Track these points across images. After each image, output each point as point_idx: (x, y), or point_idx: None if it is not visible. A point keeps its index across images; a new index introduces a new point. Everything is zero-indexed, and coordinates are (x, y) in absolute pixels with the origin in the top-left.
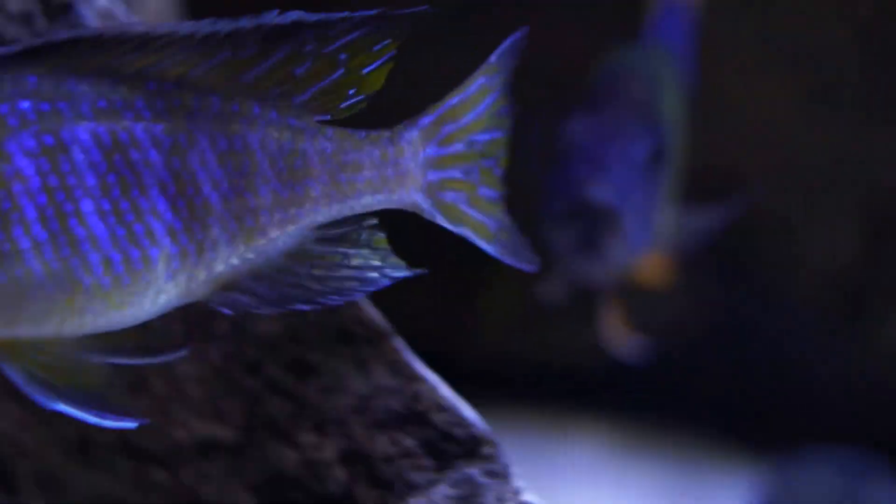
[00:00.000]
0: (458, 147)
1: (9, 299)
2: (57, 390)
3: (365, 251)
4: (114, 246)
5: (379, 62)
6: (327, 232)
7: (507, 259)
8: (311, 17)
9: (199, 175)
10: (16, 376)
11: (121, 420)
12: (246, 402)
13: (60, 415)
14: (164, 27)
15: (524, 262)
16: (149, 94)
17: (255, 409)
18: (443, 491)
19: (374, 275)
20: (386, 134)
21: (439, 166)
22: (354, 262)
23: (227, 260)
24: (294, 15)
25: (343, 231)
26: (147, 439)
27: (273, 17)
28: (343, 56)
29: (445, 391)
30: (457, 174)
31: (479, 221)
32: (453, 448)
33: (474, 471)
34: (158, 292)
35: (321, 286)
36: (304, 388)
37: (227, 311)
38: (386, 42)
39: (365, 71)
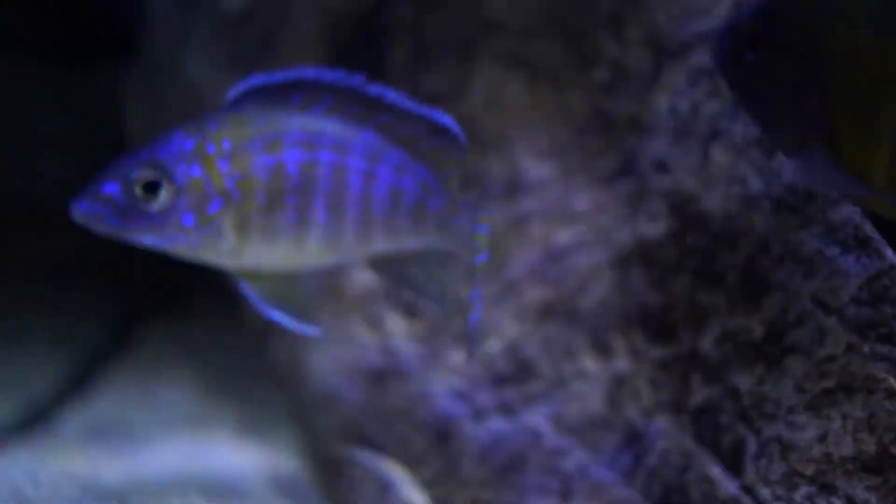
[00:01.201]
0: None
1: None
2: (273, 304)
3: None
4: (298, 221)
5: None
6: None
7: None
8: (445, 118)
9: (375, 198)
10: (252, 293)
11: (308, 327)
12: None
13: None
14: (392, 96)
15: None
16: (359, 138)
17: None
18: None
19: (444, 292)
20: (470, 205)
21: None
22: (442, 279)
23: (370, 244)
24: (449, 120)
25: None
26: None
27: (440, 114)
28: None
29: None
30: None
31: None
32: None
33: None
34: (319, 252)
35: (417, 283)
36: None
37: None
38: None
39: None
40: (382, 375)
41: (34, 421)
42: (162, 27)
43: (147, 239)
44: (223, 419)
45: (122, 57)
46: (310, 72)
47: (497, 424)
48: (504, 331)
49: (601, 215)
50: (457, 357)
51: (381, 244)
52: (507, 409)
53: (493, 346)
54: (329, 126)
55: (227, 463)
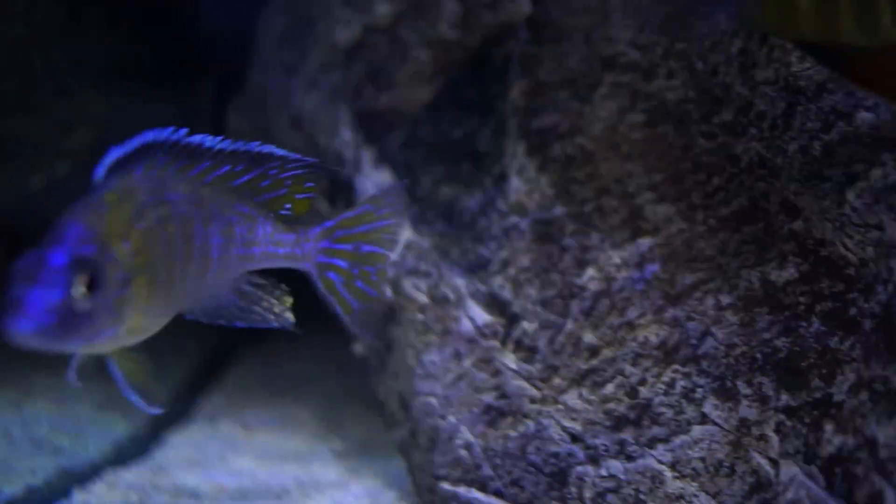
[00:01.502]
0: (347, 247)
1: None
2: (133, 388)
3: (273, 302)
4: (179, 284)
5: (306, 195)
6: (258, 279)
7: (354, 330)
8: (279, 151)
9: (212, 239)
10: (118, 375)
11: (152, 406)
12: None
13: None
14: (209, 142)
15: (368, 337)
16: (180, 189)
17: None
18: None
19: (271, 317)
20: (302, 228)
21: (329, 254)
22: (264, 305)
23: (206, 290)
24: (269, 148)
25: (266, 283)
26: None
27: (257, 146)
28: (288, 182)
29: None
30: (341, 263)
31: (345, 299)
32: None
33: None
34: (173, 311)
35: (239, 313)
36: None
37: (189, 317)
38: (312, 184)
39: (297, 196)
40: (496, 415)
41: (135, 454)
42: (271, 55)
43: (84, 341)
44: (323, 454)
45: (217, 79)
46: (148, 135)
47: (615, 467)
48: (623, 373)
49: (726, 257)
50: (572, 398)
51: (212, 288)
52: (625, 453)
53: (612, 387)
54: (168, 183)
55: (330, 497)
